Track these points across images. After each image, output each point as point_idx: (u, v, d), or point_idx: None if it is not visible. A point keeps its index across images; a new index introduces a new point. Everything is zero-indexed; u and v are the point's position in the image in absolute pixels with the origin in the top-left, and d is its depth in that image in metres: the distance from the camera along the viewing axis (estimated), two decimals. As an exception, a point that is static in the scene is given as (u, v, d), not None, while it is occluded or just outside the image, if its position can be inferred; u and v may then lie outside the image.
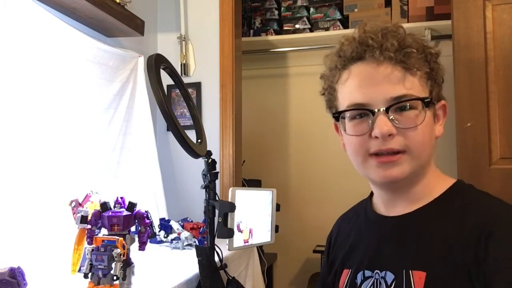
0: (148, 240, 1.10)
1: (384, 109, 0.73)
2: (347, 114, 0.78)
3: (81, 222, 1.07)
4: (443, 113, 0.82)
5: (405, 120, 0.73)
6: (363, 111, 0.75)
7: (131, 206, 1.07)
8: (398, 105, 0.73)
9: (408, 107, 0.73)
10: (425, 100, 0.74)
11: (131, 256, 1.05)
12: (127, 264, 1.03)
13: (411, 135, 0.73)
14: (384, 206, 0.84)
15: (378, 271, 0.77)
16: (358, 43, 0.76)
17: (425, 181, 0.79)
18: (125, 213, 1.05)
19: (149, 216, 1.12)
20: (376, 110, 0.73)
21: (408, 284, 0.71)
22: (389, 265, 0.76)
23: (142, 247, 1.08)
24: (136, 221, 1.08)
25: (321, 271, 1.01)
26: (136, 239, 1.07)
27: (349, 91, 0.78)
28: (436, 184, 0.79)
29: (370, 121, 0.74)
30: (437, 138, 0.80)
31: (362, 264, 0.82)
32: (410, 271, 0.72)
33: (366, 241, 0.84)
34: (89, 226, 1.04)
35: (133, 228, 1.08)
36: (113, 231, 1.03)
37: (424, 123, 0.73)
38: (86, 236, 1.05)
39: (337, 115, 0.80)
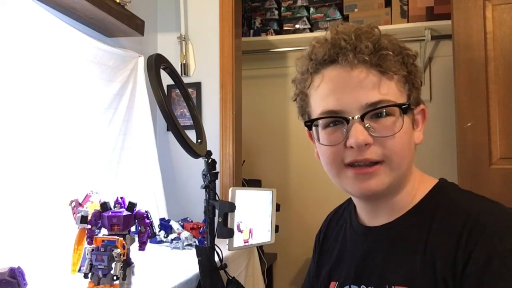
0: (148, 240, 1.10)
1: (359, 116, 0.68)
2: (320, 122, 0.74)
3: (81, 222, 1.07)
4: (422, 118, 0.77)
5: (381, 128, 0.69)
6: (336, 119, 0.71)
7: (131, 206, 1.07)
8: (374, 111, 0.68)
9: (384, 113, 0.69)
10: (403, 107, 0.69)
11: (131, 256, 1.05)
12: (127, 264, 1.03)
13: (389, 144, 0.68)
14: (366, 217, 0.82)
15: (364, 287, 0.76)
16: (331, 45, 0.72)
17: (407, 188, 0.76)
18: (125, 213, 1.05)
19: (149, 216, 1.12)
20: (350, 118, 0.69)
21: None
22: (373, 280, 0.75)
23: (142, 247, 1.08)
24: (136, 221, 1.08)
25: (309, 272, 0.98)
26: (136, 239, 1.07)
27: (321, 97, 0.73)
28: (418, 188, 0.76)
29: (345, 130, 0.70)
30: (417, 145, 0.76)
31: (348, 277, 0.80)
32: (393, 287, 0.71)
33: (351, 253, 0.82)
34: (89, 226, 1.04)
35: (133, 228, 1.08)
36: (113, 231, 1.03)
37: (402, 130, 0.69)
38: (86, 236, 1.05)
39: (309, 124, 0.76)
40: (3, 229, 1.19)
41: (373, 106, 0.68)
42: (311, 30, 2.84)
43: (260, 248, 2.32)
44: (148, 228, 1.09)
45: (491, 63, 1.70)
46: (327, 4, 2.85)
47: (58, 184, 1.40)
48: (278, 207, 1.29)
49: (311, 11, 2.88)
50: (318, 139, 0.75)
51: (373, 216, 0.80)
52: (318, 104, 0.74)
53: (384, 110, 0.69)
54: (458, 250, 0.65)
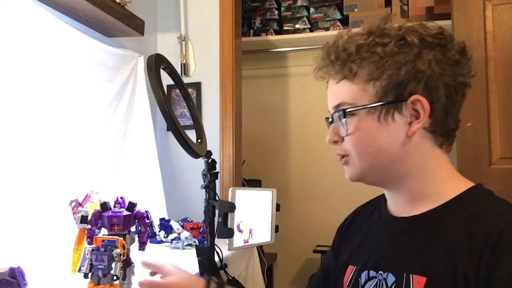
0: (148, 240, 1.10)
1: (330, 120, 0.83)
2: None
3: (81, 222, 1.07)
4: (421, 109, 0.73)
5: (340, 129, 0.80)
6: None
7: (131, 206, 1.07)
8: (332, 116, 0.81)
9: (338, 117, 0.79)
10: (347, 110, 0.77)
11: (131, 256, 1.05)
12: (127, 264, 1.03)
13: (346, 141, 0.79)
14: (394, 207, 0.84)
15: (382, 272, 0.77)
16: (316, 63, 0.83)
17: (413, 180, 0.77)
18: (125, 213, 1.05)
19: (149, 216, 1.12)
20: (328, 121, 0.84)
21: None
22: (392, 267, 0.76)
23: (142, 247, 1.08)
24: (136, 221, 1.08)
25: (324, 259, 0.99)
26: (136, 239, 1.07)
27: None
28: (448, 186, 0.77)
29: None
30: (410, 137, 0.74)
31: (368, 263, 0.81)
32: (411, 275, 0.71)
33: (375, 240, 0.84)
34: (89, 226, 1.04)
35: (133, 228, 1.08)
36: (113, 231, 1.03)
37: (354, 130, 0.77)
38: (86, 236, 1.05)
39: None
40: (3, 229, 1.20)
41: (335, 109, 0.80)
42: (311, 30, 2.84)
43: (260, 248, 2.33)
44: (148, 228, 1.09)
45: (491, 63, 1.70)
46: (327, 4, 2.85)
47: (58, 184, 1.40)
48: (278, 207, 1.29)
49: (311, 11, 2.88)
50: None
51: (394, 204, 0.83)
52: None
53: (336, 115, 0.79)
54: (484, 252, 0.66)
